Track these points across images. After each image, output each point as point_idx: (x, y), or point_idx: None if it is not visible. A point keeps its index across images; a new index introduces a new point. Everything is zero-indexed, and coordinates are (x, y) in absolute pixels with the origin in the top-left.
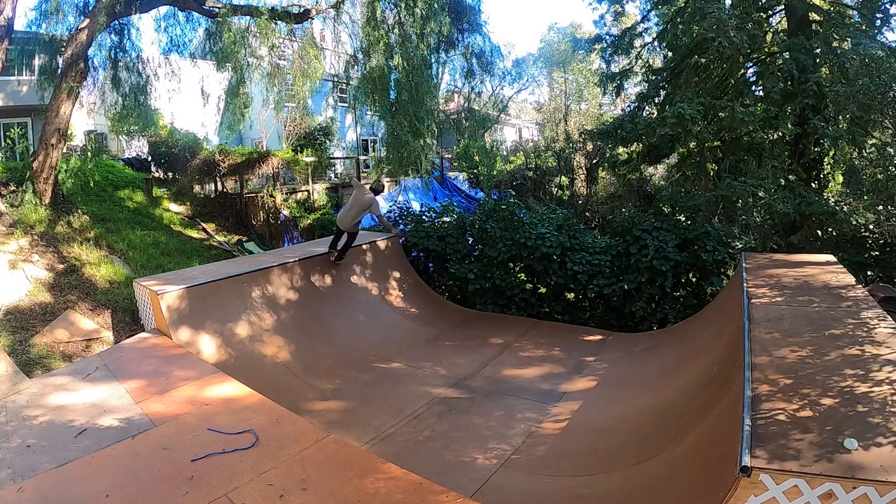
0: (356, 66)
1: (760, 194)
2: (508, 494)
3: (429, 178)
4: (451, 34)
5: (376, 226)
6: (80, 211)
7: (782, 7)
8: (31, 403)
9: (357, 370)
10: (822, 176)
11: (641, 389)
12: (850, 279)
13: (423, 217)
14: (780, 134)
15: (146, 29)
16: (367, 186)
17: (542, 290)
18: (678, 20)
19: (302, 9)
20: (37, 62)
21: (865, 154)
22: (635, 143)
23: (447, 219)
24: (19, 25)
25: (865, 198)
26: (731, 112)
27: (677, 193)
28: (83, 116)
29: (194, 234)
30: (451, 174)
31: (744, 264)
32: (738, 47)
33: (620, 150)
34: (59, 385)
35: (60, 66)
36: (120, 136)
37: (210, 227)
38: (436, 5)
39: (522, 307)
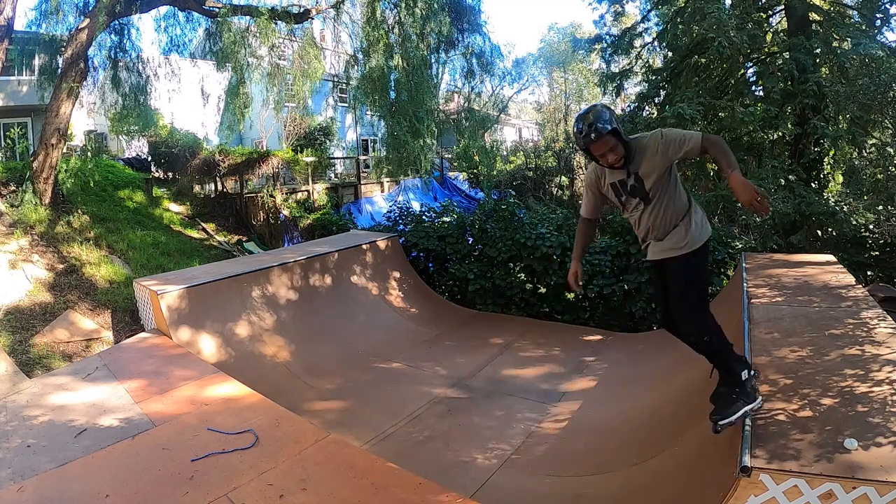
0: (356, 66)
1: None
2: (508, 494)
3: (429, 178)
4: (451, 34)
5: (376, 226)
6: (80, 211)
7: (782, 7)
8: (31, 403)
9: (357, 370)
10: (822, 176)
11: (641, 389)
12: (850, 279)
13: (423, 217)
14: (780, 134)
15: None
16: None
17: (542, 290)
18: (678, 20)
19: (302, 9)
20: (37, 62)
21: (865, 154)
22: None
23: (447, 219)
24: (19, 25)
25: (865, 198)
26: (731, 112)
27: None
28: (83, 116)
29: (194, 234)
30: (451, 174)
31: (744, 264)
32: (738, 47)
33: None
34: (59, 385)
35: (60, 66)
36: (120, 136)
37: (210, 227)
38: (436, 5)
39: (522, 307)
